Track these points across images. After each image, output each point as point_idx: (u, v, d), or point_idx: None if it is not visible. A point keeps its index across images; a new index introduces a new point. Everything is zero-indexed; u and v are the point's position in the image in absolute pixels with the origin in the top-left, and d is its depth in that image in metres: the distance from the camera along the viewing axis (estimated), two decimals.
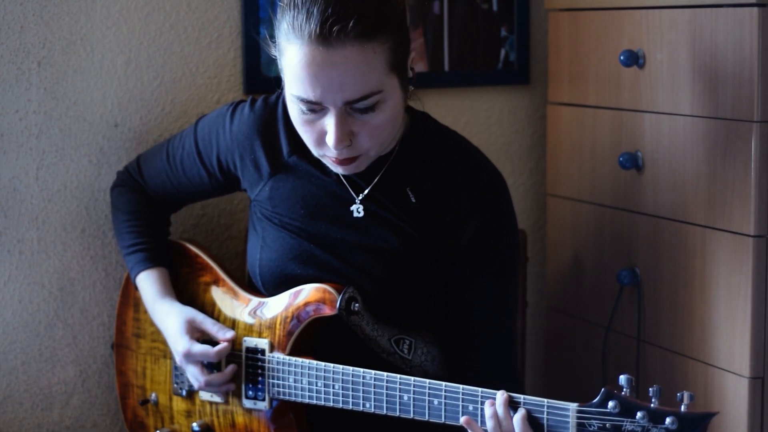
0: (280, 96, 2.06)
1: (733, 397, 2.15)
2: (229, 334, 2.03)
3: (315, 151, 1.93)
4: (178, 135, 2.20)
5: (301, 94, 1.84)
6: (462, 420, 1.79)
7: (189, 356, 2.04)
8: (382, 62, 1.83)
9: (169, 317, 2.08)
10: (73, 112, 2.30)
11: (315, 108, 1.85)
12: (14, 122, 2.25)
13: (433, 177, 1.99)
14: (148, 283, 2.14)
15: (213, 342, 2.05)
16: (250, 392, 2.04)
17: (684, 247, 2.23)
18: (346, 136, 1.86)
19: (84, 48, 2.29)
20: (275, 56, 1.91)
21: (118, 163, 2.34)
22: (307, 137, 1.91)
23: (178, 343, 2.05)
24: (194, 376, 2.05)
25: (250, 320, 2.06)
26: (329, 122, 1.85)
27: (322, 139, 1.88)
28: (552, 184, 2.60)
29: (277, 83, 1.98)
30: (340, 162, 1.90)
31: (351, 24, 1.78)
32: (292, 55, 1.83)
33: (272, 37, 1.91)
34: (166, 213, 2.25)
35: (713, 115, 2.15)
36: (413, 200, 1.99)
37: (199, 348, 2.03)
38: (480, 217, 1.98)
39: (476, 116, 2.64)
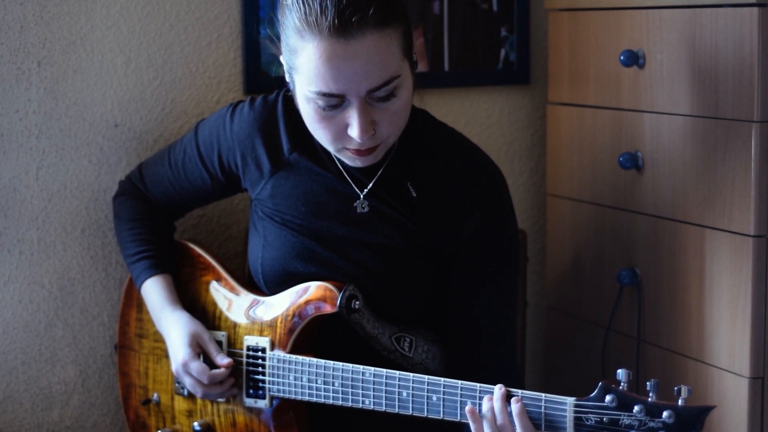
0: (280, 94, 2.06)
1: (733, 397, 2.15)
2: (226, 360, 2.04)
3: (333, 146, 1.92)
4: (179, 141, 2.20)
5: (322, 88, 1.83)
6: (467, 408, 1.79)
7: (186, 367, 2.04)
8: (397, 47, 1.84)
9: (176, 326, 2.08)
10: (73, 112, 2.30)
11: (336, 102, 1.85)
12: (14, 122, 2.26)
13: (433, 172, 2.00)
14: (154, 291, 2.14)
15: (211, 362, 2.06)
16: (251, 391, 2.04)
17: (684, 247, 2.23)
18: (369, 125, 1.86)
19: (84, 48, 2.29)
20: (283, 61, 1.90)
21: (118, 163, 2.34)
22: (325, 134, 1.90)
23: (179, 352, 2.05)
24: (191, 386, 2.06)
25: (251, 319, 2.06)
26: (352, 114, 1.85)
27: (342, 132, 1.88)
28: (552, 184, 2.60)
29: (278, 83, 1.98)
30: (362, 153, 1.90)
31: (371, 12, 1.78)
32: (310, 52, 1.82)
33: (276, 36, 1.91)
34: (169, 220, 2.25)
35: (713, 115, 2.15)
36: (414, 195, 1.99)
37: (197, 365, 2.03)
38: (479, 213, 1.98)
39: (476, 116, 2.64)
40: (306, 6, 1.81)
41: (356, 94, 1.83)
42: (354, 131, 1.85)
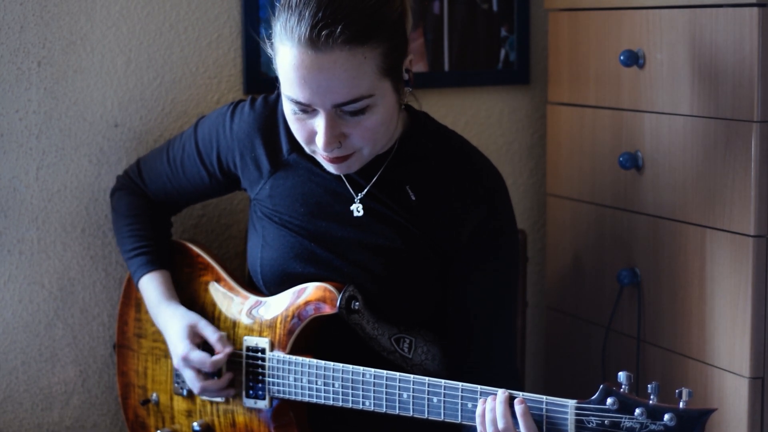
0: (280, 94, 2.07)
1: (733, 397, 2.15)
2: (228, 348, 2.04)
3: (306, 148, 1.94)
4: (178, 137, 2.20)
5: (291, 95, 1.86)
6: (478, 411, 1.79)
7: (186, 361, 2.04)
8: (372, 67, 1.84)
9: (172, 320, 2.09)
10: (73, 112, 2.30)
11: (306, 109, 1.86)
12: (14, 122, 2.26)
13: (433, 175, 2.00)
14: (151, 286, 2.14)
15: (212, 349, 2.06)
16: (251, 391, 2.04)
17: (684, 247, 2.23)
18: (335, 138, 1.87)
19: (84, 48, 2.29)
20: (270, 54, 1.91)
21: (118, 163, 2.34)
22: (298, 134, 1.93)
23: (178, 346, 2.06)
24: (191, 380, 2.06)
25: (250, 320, 2.06)
26: (319, 123, 1.86)
27: (312, 137, 1.89)
28: (552, 184, 2.60)
29: (277, 82, 1.99)
30: (331, 160, 1.91)
31: (339, 29, 1.79)
32: (284, 56, 1.85)
33: (268, 36, 1.92)
34: (167, 215, 2.26)
35: (713, 115, 2.15)
36: (413, 198, 1.99)
37: (197, 355, 2.03)
38: (479, 214, 1.98)
39: (476, 116, 2.64)
40: (289, 11, 1.83)
41: (321, 106, 1.84)
42: (319, 141, 1.87)
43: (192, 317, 2.08)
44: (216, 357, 2.03)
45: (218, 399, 2.09)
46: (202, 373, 2.05)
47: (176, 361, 2.07)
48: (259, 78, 2.42)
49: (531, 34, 2.66)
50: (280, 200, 2.05)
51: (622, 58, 2.28)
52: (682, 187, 2.23)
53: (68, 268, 2.33)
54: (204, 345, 2.07)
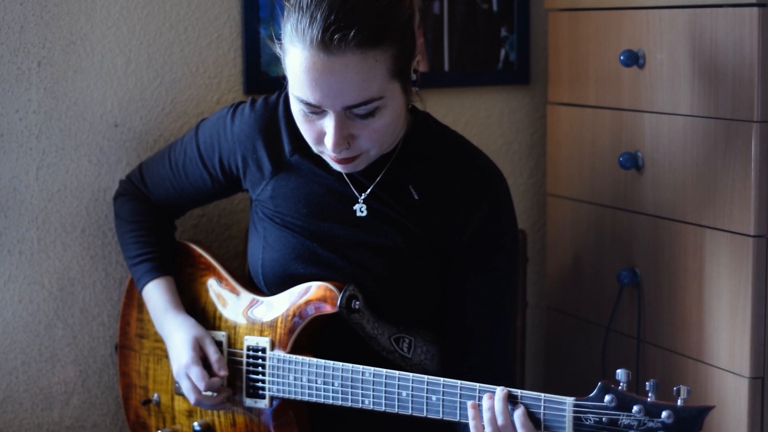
0: (281, 95, 2.07)
1: (733, 397, 2.15)
2: (223, 371, 2.04)
3: (314, 148, 1.94)
4: (179, 141, 2.20)
5: (301, 96, 1.86)
6: (469, 402, 1.79)
7: (187, 369, 2.04)
8: (383, 70, 1.83)
9: (179, 330, 2.08)
10: (73, 112, 2.30)
11: (315, 110, 1.86)
12: (14, 122, 2.26)
13: (435, 174, 2.00)
14: (157, 294, 2.14)
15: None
16: (251, 391, 2.04)
17: (684, 247, 2.23)
18: (344, 139, 1.86)
19: (84, 48, 2.29)
20: (279, 54, 1.91)
21: (118, 163, 2.34)
22: (306, 134, 1.92)
23: (182, 355, 2.05)
24: (187, 390, 2.06)
25: (251, 319, 2.06)
26: (328, 124, 1.86)
27: (321, 138, 1.89)
28: (552, 184, 2.60)
29: (278, 84, 1.99)
30: (339, 161, 1.91)
31: (352, 33, 1.79)
32: (294, 57, 1.84)
33: (277, 35, 1.92)
34: (170, 219, 2.25)
35: (713, 115, 2.15)
36: (416, 197, 1.99)
37: (197, 371, 2.03)
38: (480, 214, 1.98)
39: (476, 116, 2.64)
40: (300, 12, 1.82)
41: (332, 108, 1.84)
42: (328, 142, 1.87)
43: (199, 331, 2.08)
44: (213, 379, 2.03)
45: (211, 409, 2.09)
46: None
47: (177, 367, 2.07)
48: (259, 78, 2.42)
49: (531, 34, 2.66)
50: (282, 201, 2.05)
51: (622, 58, 2.28)
52: (681, 187, 2.23)
53: (68, 268, 2.33)
54: (205, 359, 2.07)
